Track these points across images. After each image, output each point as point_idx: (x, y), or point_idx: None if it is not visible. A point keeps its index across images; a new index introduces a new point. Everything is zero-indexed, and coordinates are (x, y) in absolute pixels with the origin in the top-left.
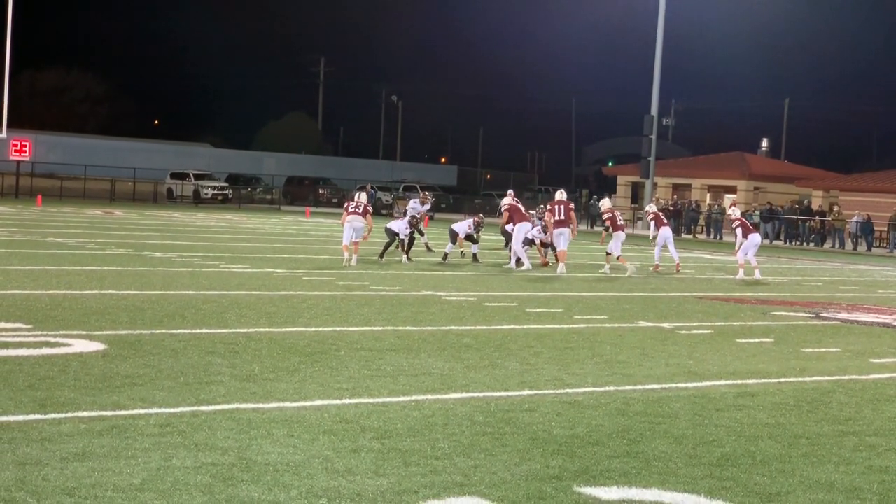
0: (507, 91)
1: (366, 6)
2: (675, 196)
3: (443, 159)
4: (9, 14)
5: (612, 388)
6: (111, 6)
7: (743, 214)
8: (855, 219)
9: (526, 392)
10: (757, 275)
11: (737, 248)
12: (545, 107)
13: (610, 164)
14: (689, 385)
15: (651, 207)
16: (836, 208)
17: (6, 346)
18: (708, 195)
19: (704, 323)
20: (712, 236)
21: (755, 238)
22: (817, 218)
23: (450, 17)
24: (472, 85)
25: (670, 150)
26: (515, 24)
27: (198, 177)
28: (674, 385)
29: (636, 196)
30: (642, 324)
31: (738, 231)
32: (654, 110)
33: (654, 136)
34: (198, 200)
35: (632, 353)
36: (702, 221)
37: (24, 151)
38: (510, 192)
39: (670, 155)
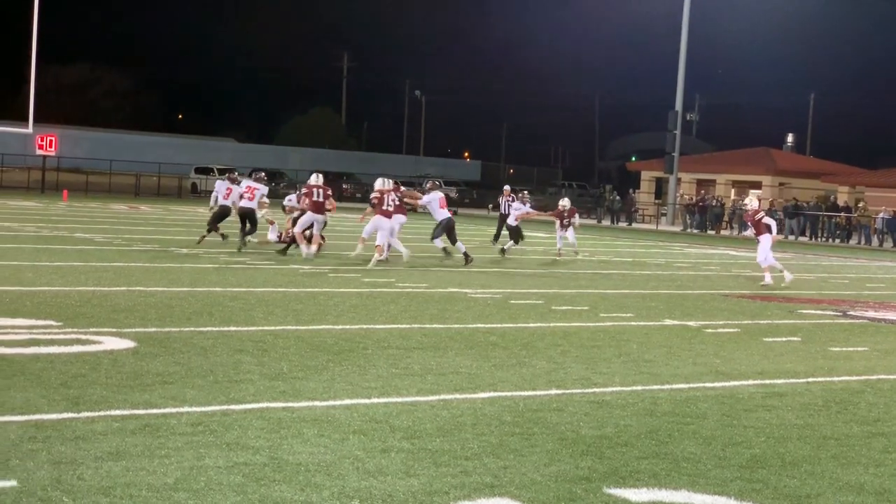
0: (530, 86)
1: (390, 1)
2: (699, 192)
3: (466, 154)
4: (35, 10)
5: (639, 388)
6: (136, 1)
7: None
8: (881, 215)
9: (554, 391)
10: (787, 276)
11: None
12: (569, 102)
13: (633, 159)
14: (717, 385)
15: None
16: (861, 204)
17: (38, 343)
18: (732, 191)
19: (731, 321)
20: (737, 232)
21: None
22: (843, 214)
23: (473, 12)
24: (496, 80)
25: (694, 146)
26: (540, 19)
27: (222, 172)
28: (701, 384)
29: (660, 191)
30: (668, 322)
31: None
32: (678, 105)
33: (678, 132)
34: None
35: (658, 351)
36: (726, 217)
37: (51, 146)
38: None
39: (694, 150)
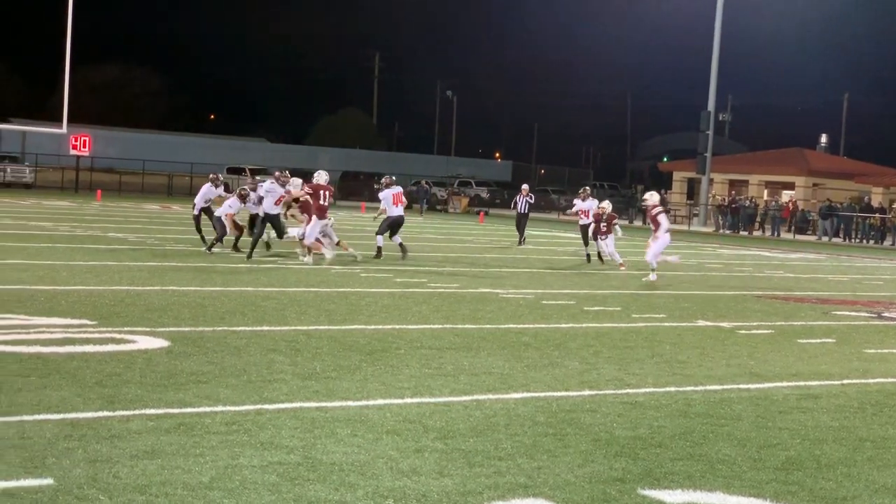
0: (562, 86)
1: (422, 2)
2: (732, 192)
3: (497, 154)
4: (69, 10)
5: (672, 389)
6: (170, 2)
7: (802, 211)
8: None
9: (587, 392)
10: (652, 276)
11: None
12: (600, 102)
13: (665, 159)
14: (751, 386)
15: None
16: (895, 205)
17: (73, 342)
18: (765, 192)
19: (764, 322)
20: (770, 233)
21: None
22: (877, 215)
23: (505, 12)
24: (527, 80)
25: (727, 146)
26: (571, 19)
27: (254, 172)
28: (735, 386)
29: (692, 192)
30: (701, 323)
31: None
32: (711, 106)
33: (710, 132)
34: None
35: (691, 352)
36: (758, 218)
37: (85, 146)
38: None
39: (727, 151)
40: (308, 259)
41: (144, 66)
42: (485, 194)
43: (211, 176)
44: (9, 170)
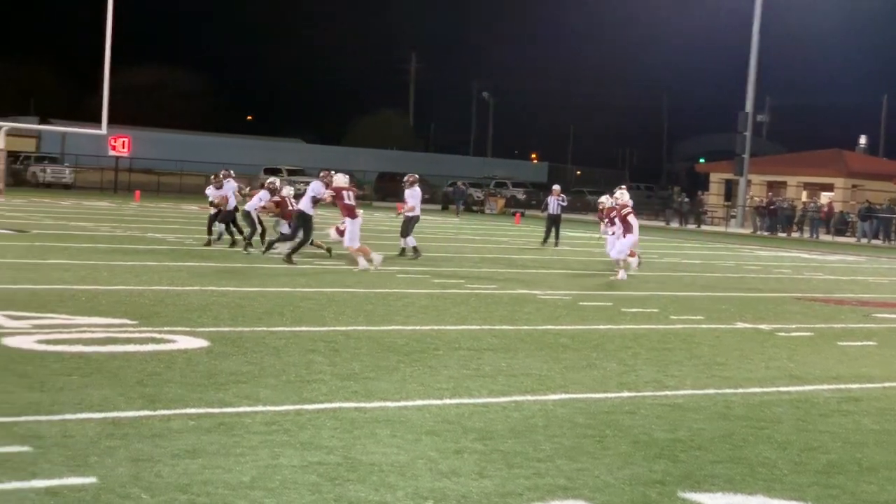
0: (598, 87)
1: (458, 2)
2: (769, 194)
3: (533, 156)
4: (108, 12)
5: (711, 391)
6: (210, 1)
7: (840, 213)
8: None
9: (626, 394)
10: (622, 275)
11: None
12: (637, 103)
13: (702, 160)
14: (791, 389)
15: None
16: None
17: (114, 341)
18: (804, 193)
19: (804, 325)
20: (808, 235)
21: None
22: None
23: (541, 13)
24: (563, 81)
25: (765, 147)
26: (608, 19)
27: (291, 172)
28: (775, 389)
29: (729, 193)
30: (740, 325)
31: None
32: (748, 107)
33: (748, 133)
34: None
35: (730, 354)
36: (797, 220)
37: (124, 147)
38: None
39: (765, 152)
40: (374, 264)
41: (183, 68)
42: (521, 195)
43: (217, 174)
44: (49, 170)
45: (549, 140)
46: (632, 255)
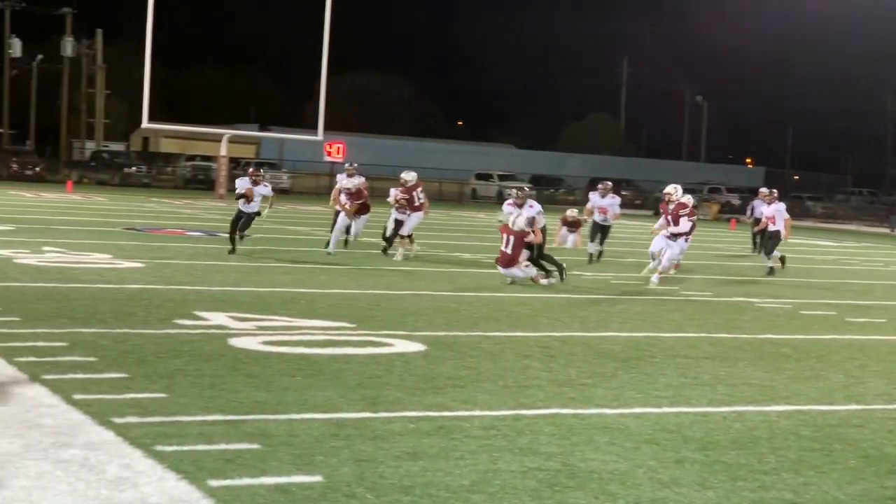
0: (816, 89)
1: (669, 6)
2: None
3: (748, 160)
4: (326, 21)
5: None
6: (423, 8)
7: None
8: None
9: (853, 406)
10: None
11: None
12: (858, 105)
13: None
14: None
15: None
16: None
17: (333, 344)
18: None
19: None
20: None
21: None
22: None
23: (750, 16)
24: (780, 83)
25: None
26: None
27: (502, 177)
28: None
29: None
30: None
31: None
32: None
33: None
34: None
35: None
36: None
37: (338, 153)
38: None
39: None
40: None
41: (395, 74)
42: (736, 200)
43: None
44: (267, 176)
45: (765, 144)
46: (675, 266)
